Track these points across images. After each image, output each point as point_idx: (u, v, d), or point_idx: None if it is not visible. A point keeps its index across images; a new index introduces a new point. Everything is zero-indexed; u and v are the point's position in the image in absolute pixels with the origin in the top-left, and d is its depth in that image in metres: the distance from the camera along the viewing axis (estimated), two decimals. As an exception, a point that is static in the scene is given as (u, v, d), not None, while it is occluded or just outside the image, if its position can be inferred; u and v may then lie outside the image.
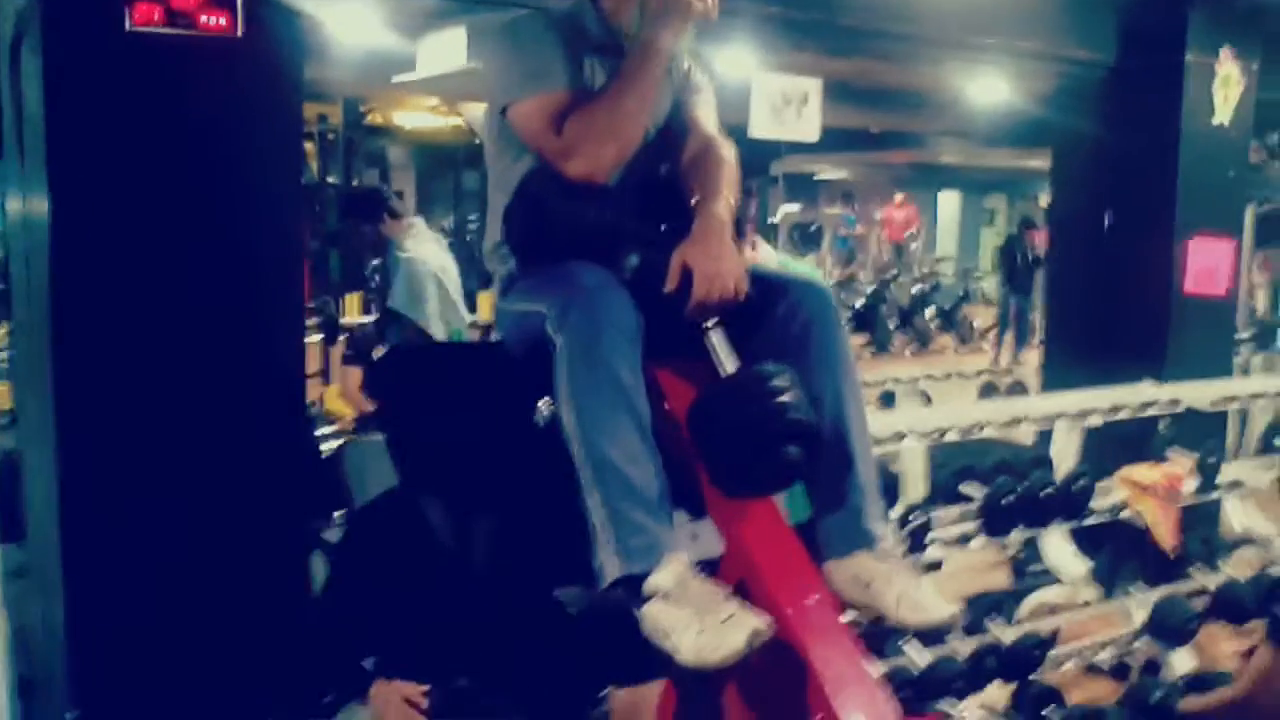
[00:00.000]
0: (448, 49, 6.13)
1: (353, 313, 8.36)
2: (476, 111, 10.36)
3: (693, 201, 2.11)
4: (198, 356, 3.01)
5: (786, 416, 1.89)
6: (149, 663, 2.98)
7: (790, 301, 2.09)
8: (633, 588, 1.87)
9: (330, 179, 11.32)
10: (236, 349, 3.06)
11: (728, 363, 1.99)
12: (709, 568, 2.02)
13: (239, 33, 2.98)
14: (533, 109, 2.15)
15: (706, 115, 2.34)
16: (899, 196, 19.51)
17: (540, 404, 2.15)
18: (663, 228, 2.17)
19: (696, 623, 1.78)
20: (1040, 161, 14.91)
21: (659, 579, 1.84)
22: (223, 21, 2.97)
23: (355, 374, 5.10)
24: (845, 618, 2.02)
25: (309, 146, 12.18)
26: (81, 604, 2.97)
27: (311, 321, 10.93)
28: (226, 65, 2.98)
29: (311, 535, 3.54)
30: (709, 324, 2.03)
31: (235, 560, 3.07)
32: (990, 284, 17.81)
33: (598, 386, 1.90)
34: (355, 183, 11.23)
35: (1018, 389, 6.83)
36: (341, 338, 7.96)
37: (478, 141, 11.40)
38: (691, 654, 1.76)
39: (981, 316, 15.62)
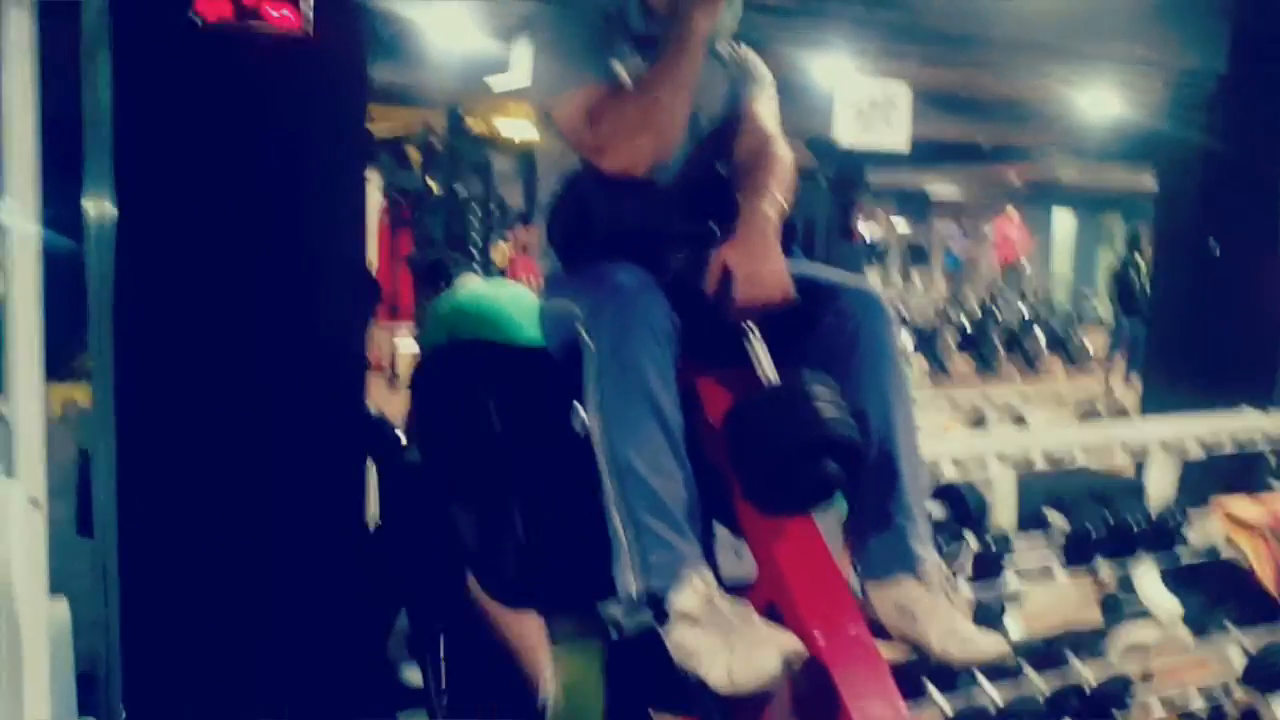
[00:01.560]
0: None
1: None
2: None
3: (740, 199, 2.01)
4: (259, 355, 3.00)
5: (824, 429, 1.77)
6: (200, 663, 2.97)
7: (839, 308, 1.98)
8: (655, 606, 1.77)
9: (433, 186, 11.40)
10: (297, 348, 3.05)
11: (768, 369, 1.88)
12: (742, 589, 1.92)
13: (306, 29, 2.97)
14: (570, 105, 2.06)
15: (765, 111, 2.24)
16: (1010, 211, 19.06)
17: (579, 408, 2.07)
18: (714, 228, 2.08)
19: (726, 645, 1.67)
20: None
21: (683, 601, 1.74)
22: (290, 16, 2.96)
23: None
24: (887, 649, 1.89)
25: (413, 153, 12.30)
26: (137, 600, 2.97)
27: (414, 332, 11.03)
28: (293, 61, 2.97)
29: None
30: (751, 329, 1.92)
31: (289, 562, 3.05)
32: (1104, 305, 17.28)
33: (625, 392, 1.81)
34: (462, 192, 11.27)
35: (1120, 414, 6.53)
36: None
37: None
38: (722, 678, 1.66)
39: (1093, 339, 15.16)
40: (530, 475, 2.12)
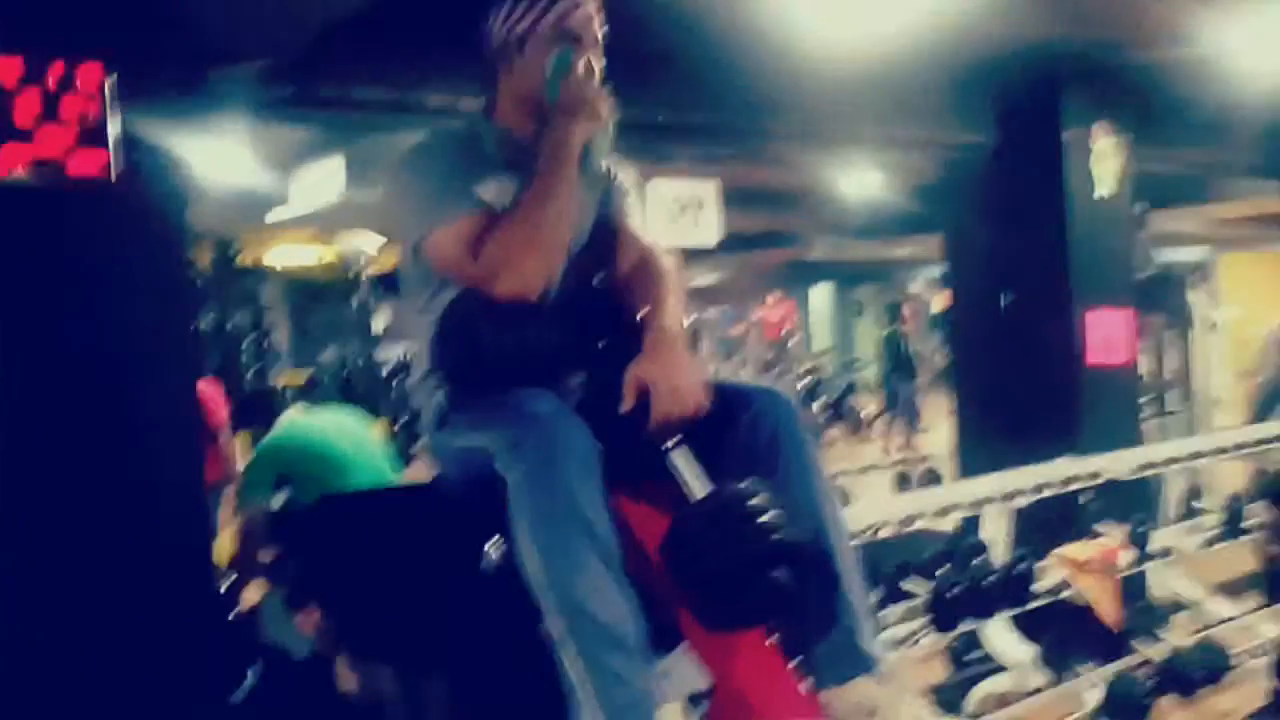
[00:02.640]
0: (325, 181, 5.97)
1: (241, 456, 7.97)
2: (351, 244, 10.16)
3: (639, 315, 1.97)
4: (91, 519, 2.76)
5: (769, 538, 1.73)
6: None
7: (753, 412, 1.95)
8: None
9: (203, 324, 10.96)
10: (134, 513, 2.82)
11: (696, 485, 1.83)
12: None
13: (113, 177, 2.79)
14: (445, 239, 1.99)
15: (638, 222, 2.22)
16: (772, 296, 19.79)
17: (488, 546, 1.96)
18: (601, 344, 2.03)
19: None
20: (906, 250, 15.36)
21: None
22: (95, 165, 2.77)
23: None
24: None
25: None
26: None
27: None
28: (103, 212, 2.78)
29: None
30: (671, 444, 1.87)
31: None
32: (872, 373, 18.07)
33: (561, 526, 1.72)
34: (228, 327, 10.91)
35: (931, 476, 6.79)
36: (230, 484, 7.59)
37: (352, 274, 11.18)
38: None
39: (866, 405, 15.80)
40: (446, 621, 2.00)
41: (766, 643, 1.82)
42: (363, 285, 11.15)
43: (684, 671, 1.88)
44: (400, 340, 12.53)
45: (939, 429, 10.15)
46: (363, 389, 12.17)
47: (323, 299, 14.64)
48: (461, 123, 2.22)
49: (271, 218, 6.88)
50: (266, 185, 6.44)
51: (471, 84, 2.20)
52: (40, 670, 2.68)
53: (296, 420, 4.45)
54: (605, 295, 2.17)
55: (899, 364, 13.11)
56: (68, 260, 2.77)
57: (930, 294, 20.40)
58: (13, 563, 2.67)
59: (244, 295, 11.80)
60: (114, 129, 2.77)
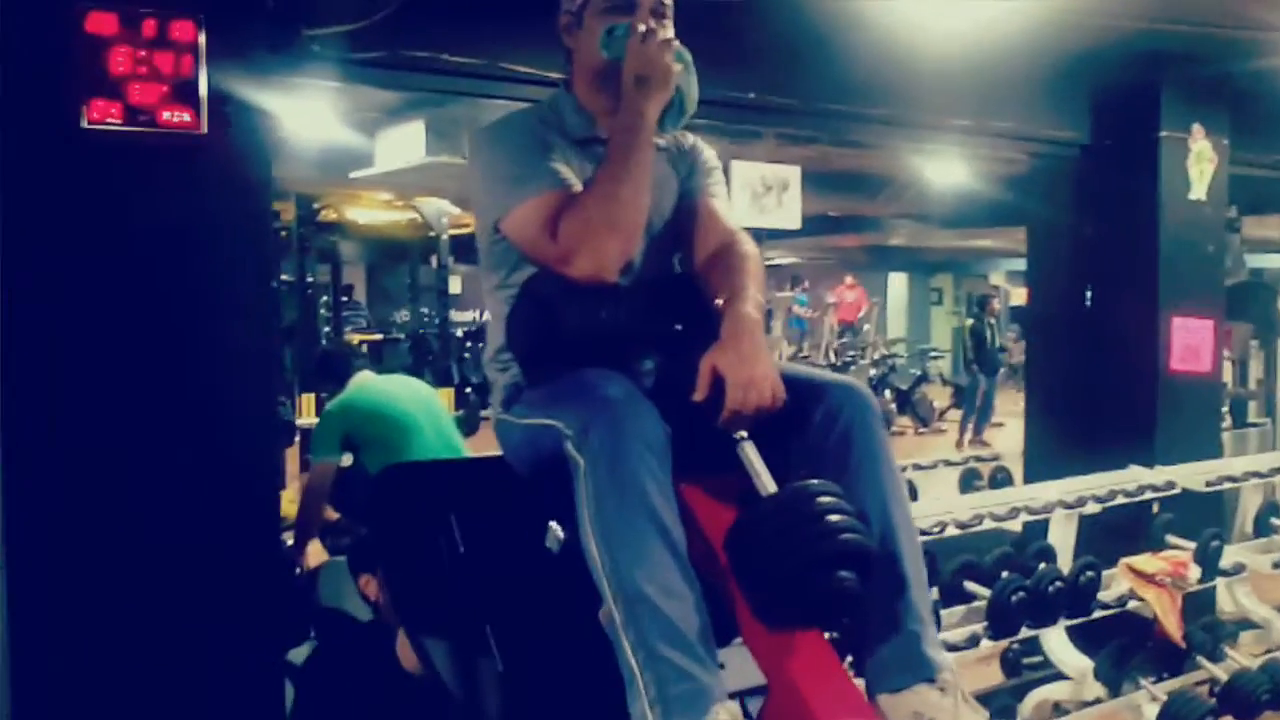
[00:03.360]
0: (406, 143, 6.00)
1: (308, 413, 8.10)
2: (432, 205, 10.21)
3: (718, 302, 1.94)
4: (165, 468, 2.81)
5: (836, 539, 1.70)
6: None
7: (828, 407, 1.91)
8: None
9: (285, 276, 11.10)
10: (206, 459, 2.86)
11: (766, 479, 1.80)
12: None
13: (203, 129, 2.82)
14: (524, 216, 1.97)
15: (722, 205, 2.18)
16: (848, 278, 19.59)
17: (552, 525, 1.96)
18: (679, 328, 2.01)
19: None
20: (987, 241, 15.11)
21: None
22: (186, 118, 2.81)
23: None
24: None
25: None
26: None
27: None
28: (191, 163, 2.82)
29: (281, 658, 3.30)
30: (742, 435, 1.84)
31: (205, 687, 2.84)
32: (946, 364, 17.83)
33: (628, 512, 1.71)
34: (309, 280, 11.02)
35: (1002, 475, 6.65)
36: (297, 439, 7.73)
37: (432, 234, 11.24)
38: None
39: (938, 397, 15.57)
40: (504, 599, 2.00)
41: (825, 643, 1.80)
42: (441, 246, 11.19)
43: (740, 666, 1.87)
44: (476, 304, 12.53)
45: (1012, 426, 10.01)
46: (436, 350, 12.29)
47: (401, 258, 14.75)
48: (546, 92, 2.20)
49: (355, 175, 6.93)
50: (351, 144, 6.50)
51: (558, 54, 2.18)
52: (101, 612, 2.73)
53: (367, 383, 4.50)
54: (684, 278, 2.15)
55: (982, 357, 12.86)
56: (156, 209, 2.81)
57: (1009, 287, 20.10)
58: (83, 506, 2.72)
59: (324, 251, 11.93)
60: (204, 84, 2.80)
